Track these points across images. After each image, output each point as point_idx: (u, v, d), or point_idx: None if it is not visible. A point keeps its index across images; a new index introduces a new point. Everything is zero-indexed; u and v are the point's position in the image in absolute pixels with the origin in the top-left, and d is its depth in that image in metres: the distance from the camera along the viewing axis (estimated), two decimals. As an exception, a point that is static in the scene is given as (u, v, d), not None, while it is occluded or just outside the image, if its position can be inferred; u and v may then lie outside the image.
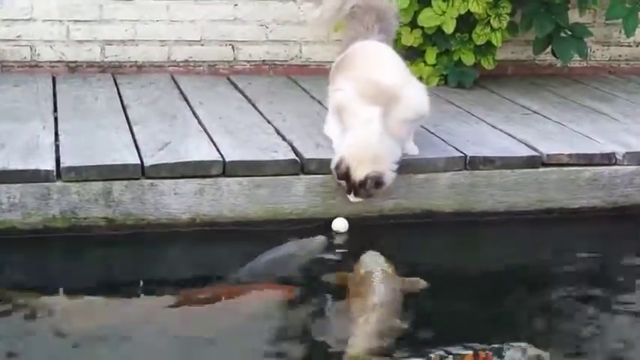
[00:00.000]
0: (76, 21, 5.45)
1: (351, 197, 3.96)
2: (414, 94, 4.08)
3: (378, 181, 3.88)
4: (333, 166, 3.92)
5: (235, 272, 3.59)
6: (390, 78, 4.07)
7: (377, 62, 4.19)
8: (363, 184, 3.87)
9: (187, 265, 3.82)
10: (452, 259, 3.95)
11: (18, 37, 5.41)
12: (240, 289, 3.48)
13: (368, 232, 4.01)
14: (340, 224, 3.99)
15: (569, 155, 4.31)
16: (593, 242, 4.19)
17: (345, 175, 3.88)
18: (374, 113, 3.91)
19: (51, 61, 5.47)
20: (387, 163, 3.91)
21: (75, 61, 5.51)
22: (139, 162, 3.90)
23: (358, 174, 3.86)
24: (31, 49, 5.43)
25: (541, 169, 4.28)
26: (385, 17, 4.41)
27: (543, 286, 3.72)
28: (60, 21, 5.44)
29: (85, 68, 5.52)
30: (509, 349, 3.12)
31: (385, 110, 3.92)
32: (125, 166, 3.87)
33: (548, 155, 4.30)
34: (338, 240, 3.95)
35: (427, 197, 4.14)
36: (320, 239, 3.86)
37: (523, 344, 3.15)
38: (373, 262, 3.51)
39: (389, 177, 3.91)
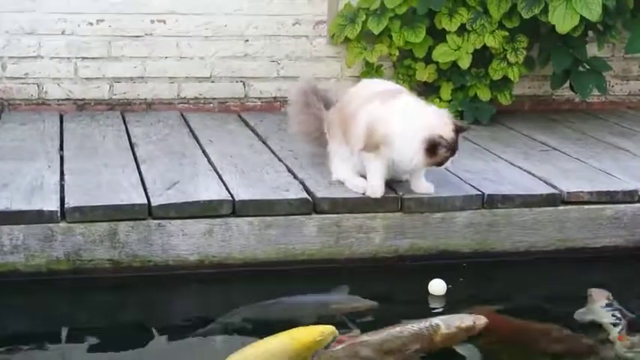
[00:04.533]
0: (83, 58, 5.37)
1: (449, 162, 3.92)
2: None
3: (461, 124, 3.97)
4: (421, 151, 3.82)
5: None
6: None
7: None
8: (457, 132, 3.88)
9: (196, 308, 3.69)
10: (470, 301, 3.80)
11: (25, 74, 5.33)
12: None
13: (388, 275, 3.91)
14: (437, 287, 3.77)
15: (590, 193, 4.18)
16: (616, 283, 4.04)
17: (444, 144, 3.84)
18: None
19: (58, 99, 5.39)
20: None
21: (83, 99, 5.42)
22: (145, 202, 3.79)
23: (451, 132, 3.85)
24: (39, 87, 5.35)
25: (561, 207, 4.15)
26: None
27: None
28: (68, 58, 5.36)
29: (93, 106, 5.44)
30: None
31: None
32: (131, 206, 3.76)
33: (568, 193, 4.17)
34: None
35: (444, 237, 4.02)
36: (370, 303, 3.65)
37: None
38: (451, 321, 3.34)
39: None
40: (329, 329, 3.17)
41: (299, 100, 4.43)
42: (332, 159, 4.20)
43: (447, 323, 3.24)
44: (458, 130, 3.88)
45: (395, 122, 3.87)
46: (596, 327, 3.54)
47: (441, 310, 3.65)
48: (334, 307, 3.58)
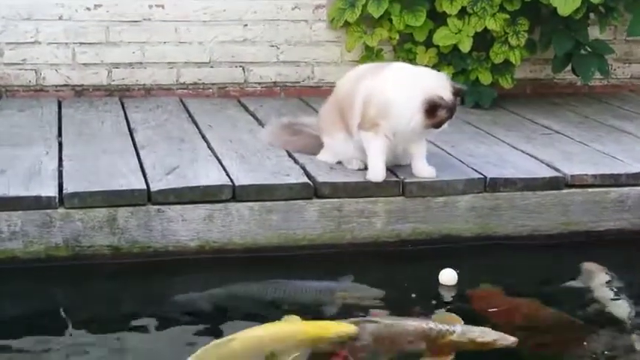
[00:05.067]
0: (81, 43, 5.33)
1: (445, 125, 3.89)
2: None
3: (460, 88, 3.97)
4: (420, 112, 3.78)
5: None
6: None
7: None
8: (456, 95, 3.86)
9: (196, 294, 3.65)
10: (473, 286, 3.76)
11: (23, 60, 5.28)
12: None
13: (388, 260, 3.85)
14: (448, 277, 3.67)
15: (594, 176, 4.14)
16: (620, 267, 4.00)
17: (444, 105, 3.80)
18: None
19: (56, 85, 5.35)
20: None
21: (81, 85, 5.38)
22: (145, 187, 3.74)
23: (450, 94, 3.82)
24: (37, 72, 5.31)
25: (565, 191, 4.11)
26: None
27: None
28: (66, 44, 5.32)
29: (92, 92, 5.39)
30: None
31: None
32: (131, 191, 3.72)
33: (571, 176, 4.13)
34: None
35: (446, 221, 3.98)
36: (376, 291, 3.59)
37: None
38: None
39: None
40: (351, 329, 3.06)
41: (280, 137, 4.42)
42: (321, 152, 4.19)
43: (463, 332, 3.12)
44: (456, 93, 3.86)
45: (390, 89, 3.84)
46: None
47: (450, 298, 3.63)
48: (339, 294, 3.54)
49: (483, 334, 3.13)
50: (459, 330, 3.12)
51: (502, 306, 3.47)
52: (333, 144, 4.11)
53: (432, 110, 3.78)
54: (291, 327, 3.10)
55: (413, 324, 3.15)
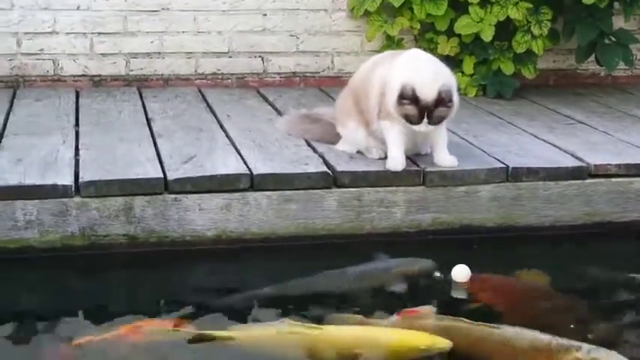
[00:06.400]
0: (99, 33, 5.29)
1: (423, 126, 3.71)
2: None
3: (450, 98, 3.70)
4: (394, 96, 3.69)
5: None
6: None
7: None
8: (438, 101, 3.66)
9: (213, 285, 3.60)
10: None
11: (40, 50, 5.25)
12: None
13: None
14: (461, 273, 3.54)
15: (618, 165, 4.06)
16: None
17: (413, 98, 3.66)
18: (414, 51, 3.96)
19: (74, 75, 5.31)
20: (449, 77, 3.81)
21: (99, 75, 5.35)
22: (161, 176, 3.70)
23: (428, 92, 3.66)
24: (54, 62, 5.28)
25: (588, 181, 4.03)
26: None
27: (592, 310, 3.45)
28: (83, 34, 5.28)
29: (110, 82, 5.36)
30: None
31: None
32: (147, 180, 3.68)
33: (595, 165, 4.05)
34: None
35: (467, 211, 3.92)
36: (429, 262, 3.59)
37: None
38: None
39: (456, 94, 3.79)
40: (443, 343, 2.94)
41: (298, 125, 4.38)
42: (339, 142, 4.14)
43: (589, 351, 2.86)
44: (438, 101, 3.68)
45: (400, 71, 3.76)
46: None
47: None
48: (395, 271, 3.52)
49: (609, 358, 2.88)
50: (584, 349, 2.88)
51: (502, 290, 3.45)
52: (347, 134, 4.05)
53: (401, 98, 3.68)
54: (378, 332, 3.03)
55: (531, 334, 2.97)
